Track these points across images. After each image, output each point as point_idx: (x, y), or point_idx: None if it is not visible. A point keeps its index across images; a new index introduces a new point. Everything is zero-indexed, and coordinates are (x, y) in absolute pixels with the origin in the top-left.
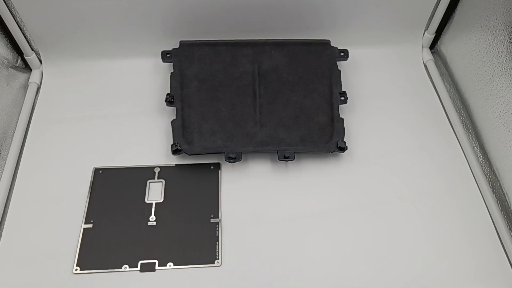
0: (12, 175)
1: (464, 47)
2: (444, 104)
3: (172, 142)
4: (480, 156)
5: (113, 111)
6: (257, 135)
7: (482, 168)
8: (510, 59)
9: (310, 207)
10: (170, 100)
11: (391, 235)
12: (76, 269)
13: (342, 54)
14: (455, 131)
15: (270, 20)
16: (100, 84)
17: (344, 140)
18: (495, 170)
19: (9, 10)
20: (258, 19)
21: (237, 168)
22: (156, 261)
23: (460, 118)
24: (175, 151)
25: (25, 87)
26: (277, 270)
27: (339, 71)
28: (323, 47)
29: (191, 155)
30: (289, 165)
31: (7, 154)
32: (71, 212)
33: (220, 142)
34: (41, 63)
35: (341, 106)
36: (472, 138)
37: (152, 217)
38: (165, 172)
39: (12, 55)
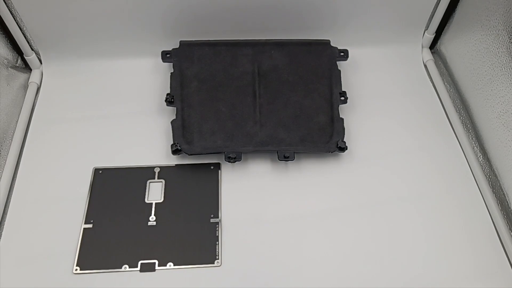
0: (12, 175)
1: (464, 47)
2: (444, 104)
3: (172, 142)
4: (480, 156)
5: (113, 111)
6: (257, 135)
7: (482, 168)
8: (510, 59)
9: (310, 207)
10: (170, 100)
11: (391, 235)
12: (76, 269)
13: (342, 54)
14: (455, 131)
15: (270, 20)
16: (100, 84)
17: (344, 140)
18: (495, 170)
19: (9, 10)
20: (258, 19)
21: (237, 168)
22: (156, 261)
23: (460, 118)
24: (175, 151)
25: (25, 87)
26: (277, 270)
27: (339, 71)
28: (323, 47)
29: (191, 155)
30: (289, 165)
31: (7, 154)
32: (71, 212)
33: (220, 142)
34: (41, 63)
35: (341, 106)
36: (472, 138)
37: (152, 217)
38: (165, 172)
39: (12, 55)
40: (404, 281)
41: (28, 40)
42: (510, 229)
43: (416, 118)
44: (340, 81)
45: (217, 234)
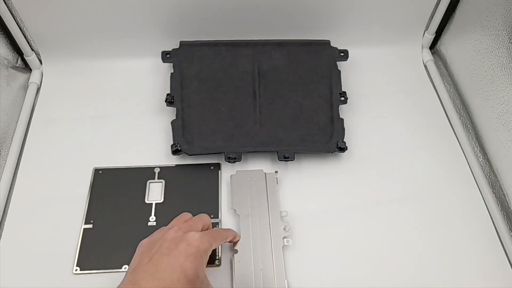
0: (12, 175)
1: (464, 47)
2: (444, 104)
3: (172, 142)
4: (480, 156)
5: (113, 111)
6: (257, 135)
7: (482, 168)
8: (510, 59)
9: (310, 207)
10: (170, 100)
11: (391, 235)
12: (76, 269)
13: (342, 54)
14: (455, 131)
15: (270, 20)
16: (100, 84)
17: (344, 140)
18: (495, 170)
19: (9, 10)
20: (258, 19)
21: (237, 168)
22: None
23: (460, 118)
24: (175, 151)
25: (25, 87)
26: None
27: (339, 71)
28: (323, 47)
29: (191, 155)
30: (289, 165)
31: (7, 154)
32: (71, 212)
33: (220, 142)
34: (41, 63)
35: (341, 106)
36: (472, 138)
37: (152, 217)
38: (165, 172)
39: (12, 55)
40: (404, 281)
41: (28, 40)
42: (510, 229)
43: (416, 118)
44: (340, 81)
45: None
